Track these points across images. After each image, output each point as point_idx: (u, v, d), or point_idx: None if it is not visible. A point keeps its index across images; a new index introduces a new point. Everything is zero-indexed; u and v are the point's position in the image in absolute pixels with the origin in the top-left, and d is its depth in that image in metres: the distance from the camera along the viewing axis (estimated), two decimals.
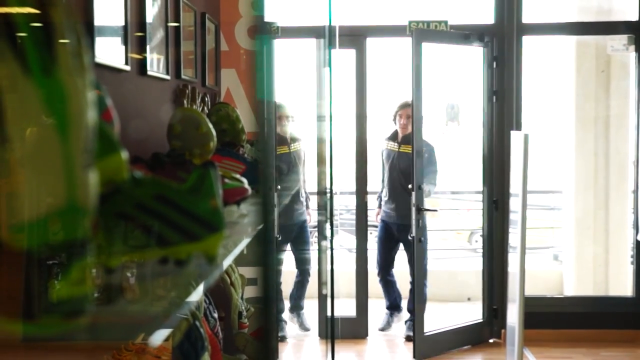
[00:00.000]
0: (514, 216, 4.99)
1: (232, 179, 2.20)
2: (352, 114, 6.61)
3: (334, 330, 4.78)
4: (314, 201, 6.76)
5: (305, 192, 6.73)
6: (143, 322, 1.44)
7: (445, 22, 6.20)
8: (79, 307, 1.14)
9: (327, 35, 4.37)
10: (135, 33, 2.76)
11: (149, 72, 2.91)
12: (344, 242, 9.09)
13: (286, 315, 6.75)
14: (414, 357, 6.04)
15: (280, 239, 6.02)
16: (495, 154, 6.50)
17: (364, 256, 6.63)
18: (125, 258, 1.42)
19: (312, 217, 6.86)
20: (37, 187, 1.04)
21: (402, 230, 6.54)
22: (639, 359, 6.22)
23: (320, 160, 6.11)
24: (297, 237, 6.67)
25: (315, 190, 6.18)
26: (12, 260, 1.15)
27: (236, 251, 1.91)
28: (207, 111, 3.37)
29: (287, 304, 6.78)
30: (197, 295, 1.61)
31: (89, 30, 2.24)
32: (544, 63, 8.60)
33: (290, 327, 6.74)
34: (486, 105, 6.52)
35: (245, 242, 2.02)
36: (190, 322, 2.68)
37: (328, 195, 4.46)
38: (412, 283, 6.46)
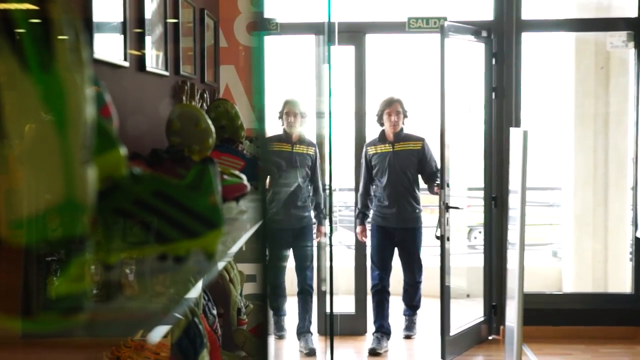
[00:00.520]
0: (513, 213, 4.99)
1: (231, 176, 2.20)
2: (352, 111, 6.61)
3: (333, 327, 4.78)
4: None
5: (315, 198, 6.19)
6: (142, 319, 1.44)
7: (445, 19, 6.20)
8: (77, 304, 1.14)
9: (326, 32, 4.37)
10: (134, 29, 2.75)
11: (148, 68, 2.91)
12: (343, 238, 9.10)
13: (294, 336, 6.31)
14: (442, 357, 6.03)
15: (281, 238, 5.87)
16: (494, 150, 6.50)
17: (362, 253, 6.63)
18: (124, 255, 1.41)
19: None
20: (36, 183, 1.04)
21: (403, 234, 6.32)
22: (637, 355, 6.23)
23: (320, 157, 6.13)
24: (297, 244, 6.24)
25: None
26: (11, 256, 1.15)
27: (235, 247, 1.91)
28: (206, 107, 3.36)
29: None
30: (196, 291, 1.61)
31: (87, 27, 2.23)
32: (544, 60, 8.59)
33: (295, 347, 6.28)
34: (486, 102, 6.53)
35: (244, 238, 2.01)
36: (189, 319, 2.67)
37: (327, 191, 4.46)
38: (408, 284, 6.44)
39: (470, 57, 6.52)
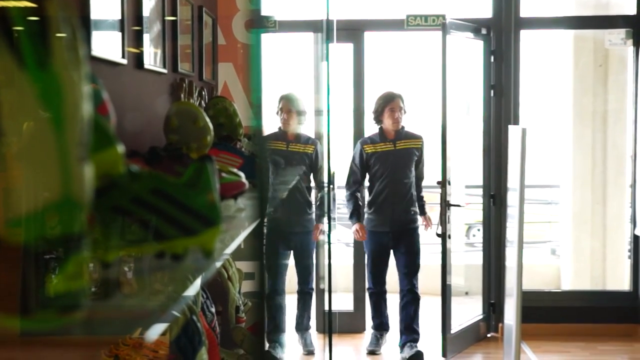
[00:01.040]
0: (512, 210, 4.99)
1: (229, 173, 2.19)
2: (350, 108, 6.59)
3: (331, 325, 4.78)
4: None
5: (320, 199, 5.87)
6: (140, 317, 1.44)
7: (443, 17, 6.20)
8: (75, 302, 1.14)
9: (324, 30, 4.36)
10: (132, 27, 2.75)
11: (146, 66, 2.90)
12: (342, 236, 9.10)
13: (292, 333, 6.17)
14: (443, 356, 6.03)
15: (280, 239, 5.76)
16: (493, 148, 6.50)
17: (361, 250, 6.62)
18: (122, 252, 1.41)
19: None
20: (33, 181, 1.04)
21: (399, 237, 5.95)
22: (636, 353, 6.23)
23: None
24: (298, 248, 5.97)
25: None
26: (10, 255, 1.15)
27: (233, 245, 1.91)
28: (204, 105, 3.36)
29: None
30: (194, 289, 1.61)
31: (85, 24, 2.23)
32: (542, 57, 8.60)
33: (295, 346, 6.18)
34: (484, 100, 6.53)
35: (242, 236, 2.01)
36: (188, 317, 2.67)
37: (326, 189, 4.46)
38: (406, 294, 6.00)
39: (469, 54, 6.52)
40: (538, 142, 8.69)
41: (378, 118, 5.95)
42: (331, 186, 4.49)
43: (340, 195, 7.57)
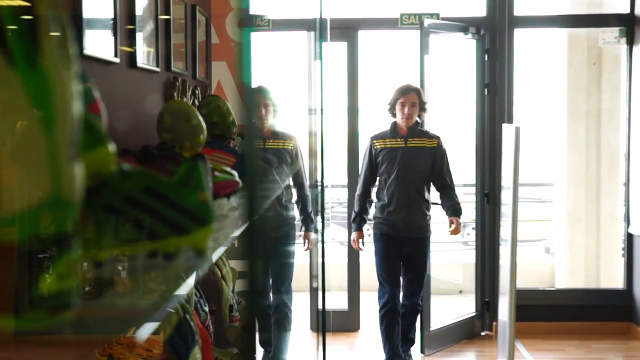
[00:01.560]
0: (506, 209, 5.00)
1: (222, 172, 2.19)
2: (344, 107, 6.60)
3: (325, 323, 4.78)
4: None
5: (301, 200, 5.50)
6: (134, 316, 1.44)
7: (437, 15, 6.21)
8: (65, 301, 1.13)
9: (318, 28, 4.36)
10: (125, 25, 2.75)
11: (139, 65, 2.90)
12: (336, 235, 9.10)
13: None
14: (422, 352, 6.04)
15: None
16: (487, 146, 6.51)
17: (355, 251, 6.61)
18: (115, 251, 1.41)
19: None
20: (23, 180, 1.04)
21: (411, 245, 5.47)
22: (629, 350, 6.25)
23: (312, 154, 6.09)
24: (274, 256, 5.40)
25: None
26: (3, 254, 1.14)
27: (226, 244, 1.91)
28: (197, 104, 3.36)
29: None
30: (187, 288, 1.61)
31: (77, 23, 2.23)
32: (536, 56, 8.60)
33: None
34: (478, 98, 6.53)
35: (234, 235, 2.01)
36: (181, 316, 2.67)
37: (319, 188, 4.45)
38: (407, 307, 5.57)
39: (462, 53, 6.52)
40: (532, 140, 8.69)
41: (392, 111, 5.53)
42: (321, 185, 4.45)
43: (334, 194, 7.55)
